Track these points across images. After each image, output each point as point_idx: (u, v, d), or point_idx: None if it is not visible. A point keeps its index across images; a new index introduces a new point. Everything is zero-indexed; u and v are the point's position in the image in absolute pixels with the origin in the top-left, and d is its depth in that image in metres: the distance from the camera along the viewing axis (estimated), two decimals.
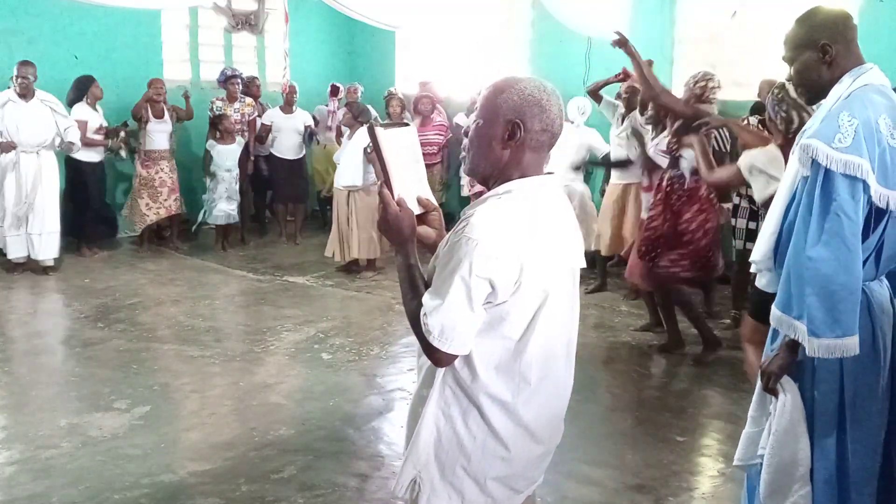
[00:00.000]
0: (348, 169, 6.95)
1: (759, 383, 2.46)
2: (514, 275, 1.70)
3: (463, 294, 1.67)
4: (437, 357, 1.73)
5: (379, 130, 1.84)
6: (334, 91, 8.57)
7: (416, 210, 1.92)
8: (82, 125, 7.31)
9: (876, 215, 2.22)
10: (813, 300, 2.17)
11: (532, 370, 1.78)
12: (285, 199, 8.54)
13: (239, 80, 8.31)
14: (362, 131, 6.86)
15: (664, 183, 5.03)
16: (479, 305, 1.69)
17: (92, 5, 7.49)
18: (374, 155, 1.87)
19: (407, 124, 2.10)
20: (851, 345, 2.17)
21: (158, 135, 7.78)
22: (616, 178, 6.37)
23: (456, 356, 1.73)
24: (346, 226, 7.04)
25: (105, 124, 7.58)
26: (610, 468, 3.73)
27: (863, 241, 2.21)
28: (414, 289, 1.78)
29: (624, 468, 3.75)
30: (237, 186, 8.04)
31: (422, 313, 1.70)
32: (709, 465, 3.75)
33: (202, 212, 8.14)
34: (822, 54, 2.32)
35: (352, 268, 7.25)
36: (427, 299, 1.71)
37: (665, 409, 4.41)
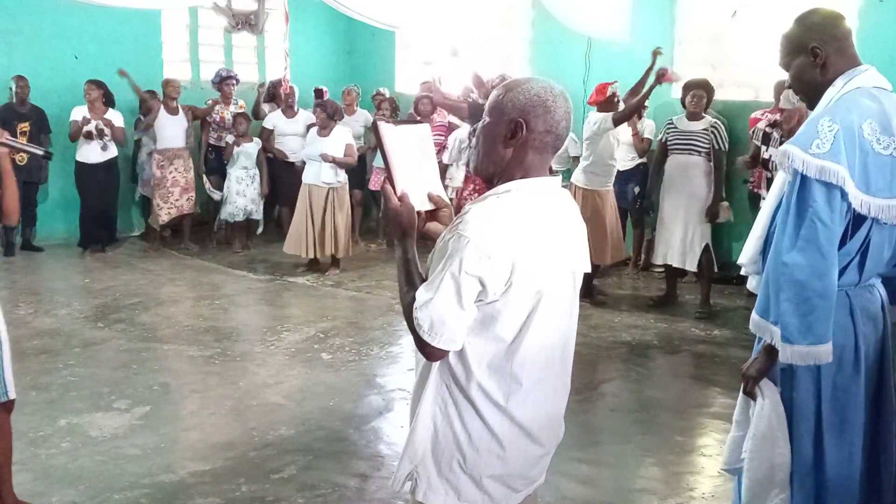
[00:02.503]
0: (328, 166, 7.00)
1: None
2: (504, 275, 1.70)
3: (452, 291, 1.68)
4: (427, 351, 1.74)
5: (382, 125, 1.85)
6: (318, 94, 8.48)
7: (427, 206, 1.94)
8: (73, 124, 7.47)
9: (857, 221, 2.20)
10: (787, 306, 2.17)
11: (524, 372, 1.78)
12: (290, 201, 8.53)
13: (234, 82, 8.31)
14: (339, 129, 7.04)
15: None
16: (470, 303, 1.69)
17: (92, 5, 7.48)
18: (379, 150, 1.88)
19: (420, 121, 2.11)
20: (824, 353, 2.17)
21: (172, 132, 7.78)
22: (585, 182, 6.26)
23: (447, 351, 1.74)
24: (322, 222, 7.06)
25: (105, 126, 7.56)
26: (610, 468, 3.73)
27: (842, 247, 2.20)
28: (410, 283, 1.79)
29: (624, 468, 3.76)
30: (256, 186, 8.03)
31: (414, 307, 1.71)
32: (709, 465, 3.75)
33: (221, 211, 8.13)
34: (812, 57, 2.29)
35: (315, 266, 7.29)
36: (419, 293, 1.72)
37: (665, 409, 4.41)
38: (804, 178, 2.16)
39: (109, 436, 3.92)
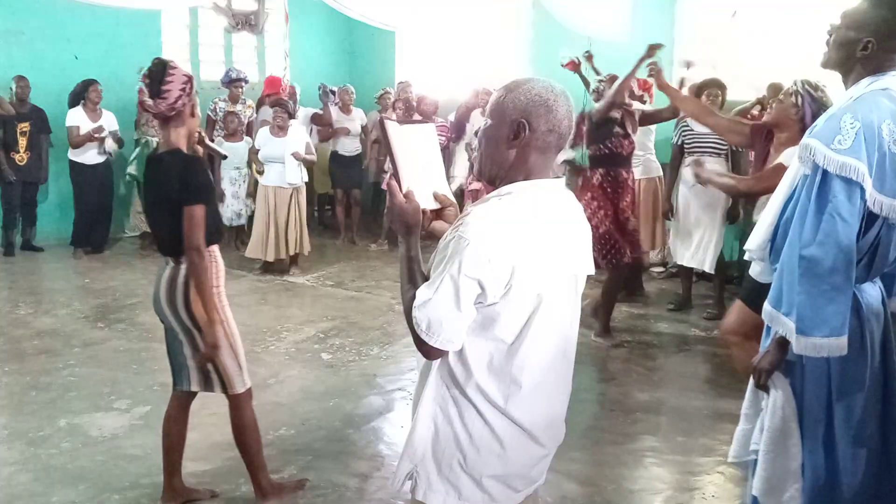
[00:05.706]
0: (294, 167, 7.02)
1: (751, 380, 2.46)
2: (503, 278, 1.70)
3: (451, 292, 1.68)
4: (425, 350, 1.75)
5: (389, 124, 1.86)
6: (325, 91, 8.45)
7: (432, 205, 1.94)
8: (74, 129, 7.46)
9: (870, 219, 2.21)
10: (803, 298, 2.17)
11: (524, 374, 1.78)
12: None
13: (243, 83, 8.31)
14: (296, 127, 7.12)
15: (595, 179, 5.39)
16: (468, 305, 1.69)
17: (92, 5, 7.49)
18: (385, 147, 1.90)
19: (426, 121, 2.12)
20: (839, 345, 2.17)
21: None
22: (640, 173, 6.39)
23: (445, 350, 1.74)
24: (285, 223, 7.08)
25: (108, 128, 7.58)
26: (610, 468, 3.73)
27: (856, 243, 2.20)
28: (411, 281, 1.79)
29: (624, 468, 3.75)
30: (246, 186, 8.01)
31: (413, 306, 1.72)
32: (709, 465, 3.75)
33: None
34: (863, 48, 2.23)
35: (274, 266, 7.28)
36: (420, 292, 1.73)
37: (665, 409, 4.41)
38: (825, 173, 2.16)
39: (109, 436, 3.92)
